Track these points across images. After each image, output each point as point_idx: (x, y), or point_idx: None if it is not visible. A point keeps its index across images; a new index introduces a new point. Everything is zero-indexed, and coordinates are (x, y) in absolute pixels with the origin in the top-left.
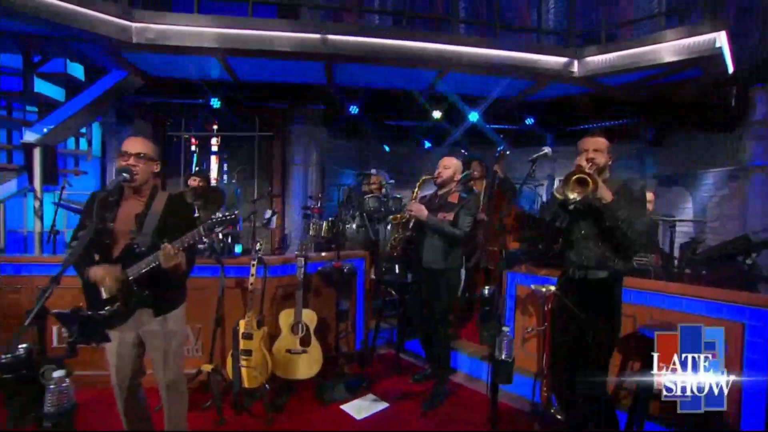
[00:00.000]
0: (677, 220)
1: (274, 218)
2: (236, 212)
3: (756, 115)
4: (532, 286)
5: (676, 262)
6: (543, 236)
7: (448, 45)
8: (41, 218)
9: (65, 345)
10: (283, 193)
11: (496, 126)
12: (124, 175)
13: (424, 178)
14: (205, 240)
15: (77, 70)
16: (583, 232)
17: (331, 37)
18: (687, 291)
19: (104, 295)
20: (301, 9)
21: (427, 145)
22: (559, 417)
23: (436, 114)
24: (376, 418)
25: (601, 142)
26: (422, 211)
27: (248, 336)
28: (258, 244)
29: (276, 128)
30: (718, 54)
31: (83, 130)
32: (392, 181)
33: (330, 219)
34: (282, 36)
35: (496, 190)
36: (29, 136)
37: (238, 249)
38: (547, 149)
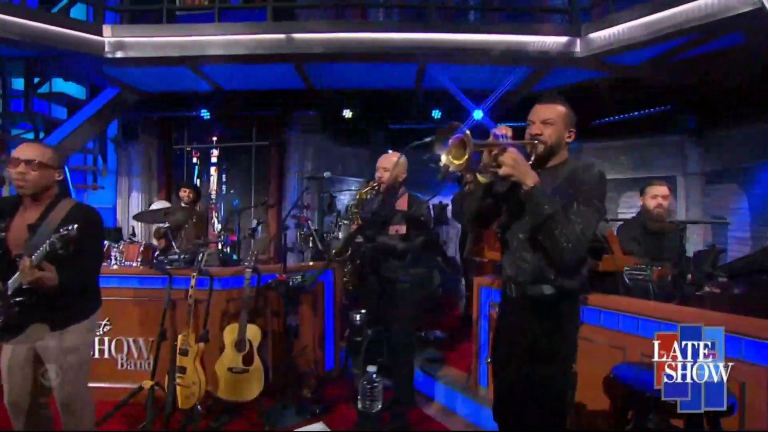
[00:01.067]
0: (688, 222)
1: (260, 228)
2: (74, 226)
3: None
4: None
5: (689, 276)
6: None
7: (428, 33)
8: None
9: None
10: (279, 202)
11: (508, 125)
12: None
13: (360, 192)
14: (60, 251)
15: (78, 90)
16: (518, 235)
17: (296, 36)
18: (689, 318)
19: None
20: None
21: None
22: None
23: (436, 113)
24: None
25: (556, 110)
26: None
27: (184, 352)
28: (201, 254)
29: (271, 136)
30: (759, 9)
31: (90, 146)
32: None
33: (315, 229)
34: (247, 39)
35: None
36: None
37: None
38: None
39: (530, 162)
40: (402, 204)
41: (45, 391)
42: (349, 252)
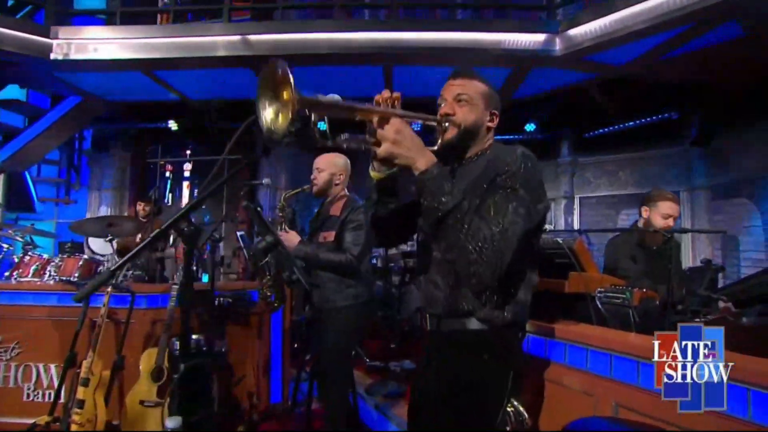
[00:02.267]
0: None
1: (221, 245)
2: None
3: None
4: None
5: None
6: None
7: (392, 32)
8: None
9: None
10: (250, 217)
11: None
12: None
13: (287, 194)
14: None
15: (40, 99)
16: (433, 254)
17: (252, 37)
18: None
19: None
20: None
21: None
22: None
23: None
24: None
25: (473, 86)
26: (290, 242)
27: (84, 382)
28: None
29: (242, 149)
30: None
31: (55, 157)
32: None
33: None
34: (203, 41)
35: None
36: None
37: (205, 279)
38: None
39: (435, 148)
40: (336, 209)
41: None
42: (265, 261)
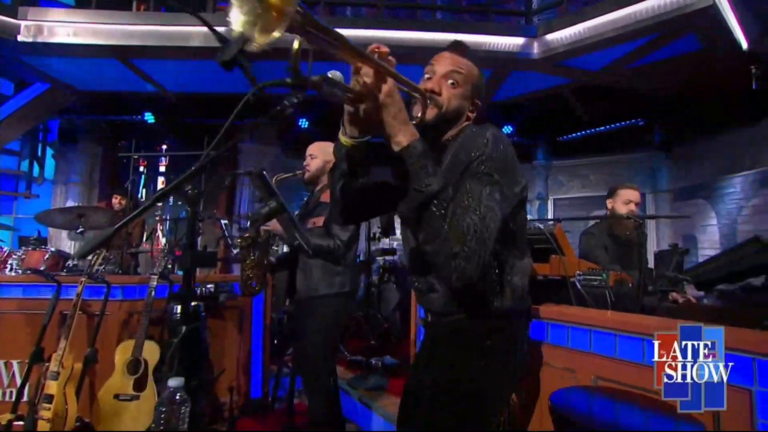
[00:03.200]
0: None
1: (198, 240)
2: None
3: None
4: None
5: (650, 284)
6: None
7: (373, 30)
8: None
9: None
10: (230, 215)
11: None
12: None
13: (279, 176)
14: None
15: (5, 86)
16: (426, 247)
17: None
18: (654, 328)
19: None
20: None
21: None
22: None
23: None
24: None
25: (466, 65)
26: (277, 226)
27: (54, 376)
28: (94, 256)
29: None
30: (711, 7)
31: (15, 147)
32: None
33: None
34: (180, 30)
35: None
36: None
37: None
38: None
39: (412, 122)
40: (326, 196)
41: None
42: (252, 241)
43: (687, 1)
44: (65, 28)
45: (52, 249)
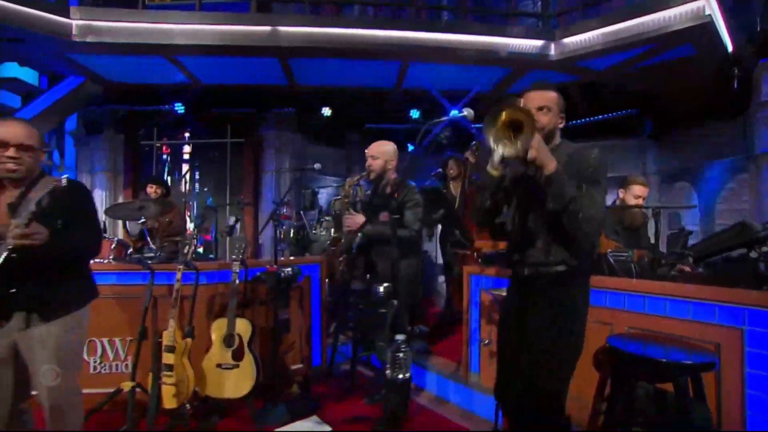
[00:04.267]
0: (661, 207)
1: (238, 225)
2: (64, 177)
3: (762, 95)
4: (493, 291)
5: (663, 258)
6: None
7: (410, 32)
8: None
9: None
10: (255, 200)
11: (480, 125)
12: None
13: (351, 180)
14: (49, 207)
15: (35, 77)
16: (527, 222)
17: (282, 29)
18: (670, 290)
19: None
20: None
21: (410, 147)
22: None
23: (414, 113)
24: None
25: (549, 97)
26: (356, 222)
27: (170, 349)
28: (186, 246)
29: (247, 134)
30: (709, 24)
31: (46, 140)
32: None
33: (294, 225)
34: (231, 30)
35: (469, 189)
36: None
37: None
38: (466, 111)
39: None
40: (392, 191)
41: (23, 396)
42: (342, 240)
43: (689, 16)
44: (118, 28)
45: (117, 238)
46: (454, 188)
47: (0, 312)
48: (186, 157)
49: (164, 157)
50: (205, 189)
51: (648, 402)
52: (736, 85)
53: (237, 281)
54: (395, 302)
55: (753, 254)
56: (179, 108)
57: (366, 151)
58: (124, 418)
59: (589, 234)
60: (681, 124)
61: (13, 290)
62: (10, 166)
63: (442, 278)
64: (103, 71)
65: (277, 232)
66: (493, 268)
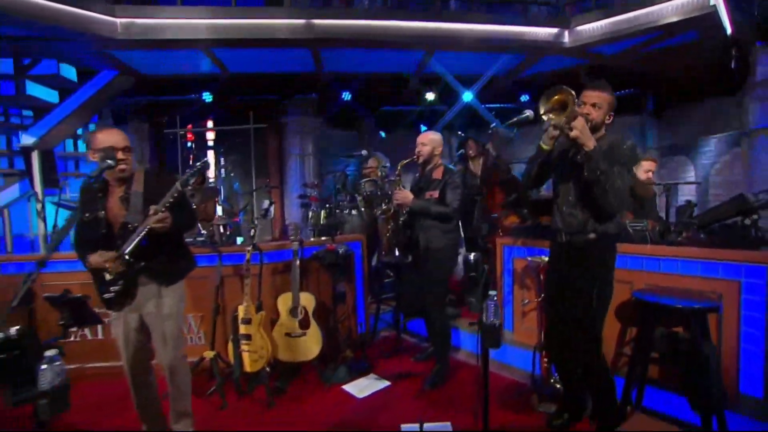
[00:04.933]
0: (672, 183)
1: (272, 208)
2: (205, 159)
3: (757, 75)
4: (528, 258)
5: (672, 227)
6: (529, 208)
7: (435, 22)
8: (44, 220)
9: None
10: (281, 183)
11: (491, 105)
12: (109, 162)
13: (402, 162)
14: (178, 193)
15: (70, 72)
16: (568, 197)
17: (316, 21)
18: (681, 253)
19: (108, 277)
20: None
21: (423, 128)
22: (558, 387)
23: (430, 96)
24: (377, 397)
25: (603, 97)
26: (407, 198)
27: (247, 321)
28: (252, 230)
29: (270, 120)
30: (714, 13)
31: (80, 132)
32: (388, 164)
33: (327, 206)
34: (267, 23)
35: (491, 170)
36: (26, 140)
37: (239, 241)
38: (528, 112)
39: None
40: (437, 174)
41: (148, 359)
42: (392, 211)
43: (695, 6)
44: (161, 25)
45: None
46: (475, 167)
47: (130, 291)
48: (210, 144)
49: (188, 144)
50: (232, 174)
51: (663, 342)
52: (733, 65)
53: (298, 259)
54: (486, 267)
55: (747, 221)
56: (207, 97)
57: (417, 139)
58: (207, 382)
59: (615, 206)
60: (680, 102)
61: (144, 263)
62: (122, 167)
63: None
64: (136, 64)
65: (309, 214)
66: (520, 240)
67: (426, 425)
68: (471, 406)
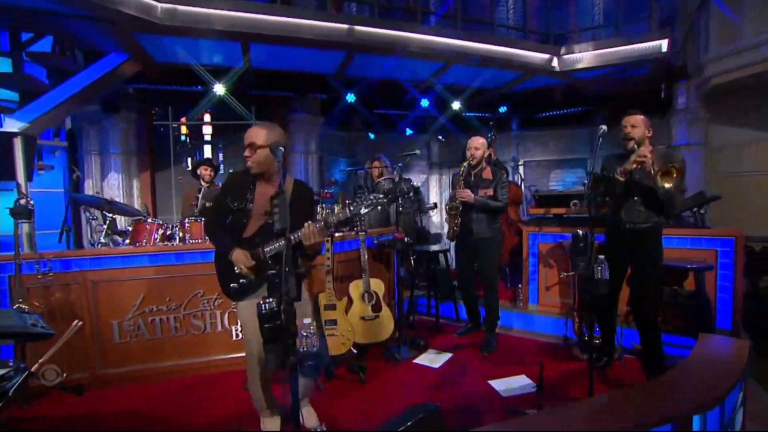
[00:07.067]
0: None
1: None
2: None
3: (678, 104)
4: (562, 243)
5: None
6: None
7: (455, 39)
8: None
9: None
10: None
11: (474, 114)
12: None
13: (464, 165)
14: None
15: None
16: (634, 198)
17: (357, 27)
18: (676, 233)
19: (237, 270)
20: None
21: (409, 132)
22: (596, 341)
23: (425, 102)
24: (449, 365)
25: (638, 118)
26: (471, 196)
27: (332, 307)
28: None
29: (276, 117)
30: (664, 55)
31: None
32: (388, 164)
33: (348, 202)
34: (309, 24)
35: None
36: (10, 125)
37: None
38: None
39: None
40: (487, 174)
41: None
42: (460, 209)
43: (654, 49)
44: (205, 15)
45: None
46: None
47: (257, 284)
48: (207, 138)
49: (182, 138)
50: (231, 170)
51: (668, 298)
52: (663, 95)
53: (365, 248)
54: None
55: (702, 211)
56: (219, 90)
57: (468, 143)
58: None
59: (671, 207)
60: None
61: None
62: (247, 162)
63: None
64: (155, 51)
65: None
66: (541, 227)
67: (506, 379)
68: (521, 363)
